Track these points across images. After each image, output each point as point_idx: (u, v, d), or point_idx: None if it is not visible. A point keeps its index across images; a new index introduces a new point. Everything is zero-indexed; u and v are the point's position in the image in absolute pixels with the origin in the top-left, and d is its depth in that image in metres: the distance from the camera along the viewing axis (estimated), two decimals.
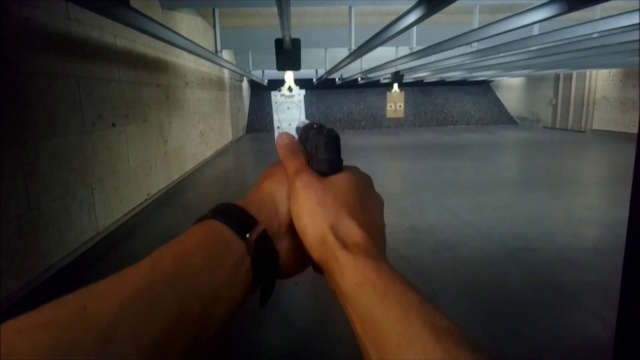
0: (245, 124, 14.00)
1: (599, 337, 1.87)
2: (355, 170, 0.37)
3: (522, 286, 2.45)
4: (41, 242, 2.57)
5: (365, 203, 0.34)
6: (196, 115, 6.72)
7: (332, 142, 0.36)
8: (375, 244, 0.30)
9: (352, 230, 0.31)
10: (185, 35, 3.95)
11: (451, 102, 15.73)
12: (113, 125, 3.61)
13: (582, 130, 11.77)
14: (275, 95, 7.70)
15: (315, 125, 0.37)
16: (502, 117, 15.37)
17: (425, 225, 3.57)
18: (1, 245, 2.21)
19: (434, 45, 4.33)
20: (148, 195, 4.43)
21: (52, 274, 2.63)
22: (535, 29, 4.12)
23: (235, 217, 0.31)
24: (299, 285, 2.44)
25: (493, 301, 2.27)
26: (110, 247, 3.25)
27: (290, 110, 6.68)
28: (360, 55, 4.93)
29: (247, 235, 0.30)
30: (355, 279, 0.27)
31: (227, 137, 9.91)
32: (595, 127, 11.34)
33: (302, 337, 2.02)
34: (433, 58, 6.19)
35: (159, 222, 3.90)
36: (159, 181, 4.80)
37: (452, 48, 4.16)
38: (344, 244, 0.29)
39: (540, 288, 2.41)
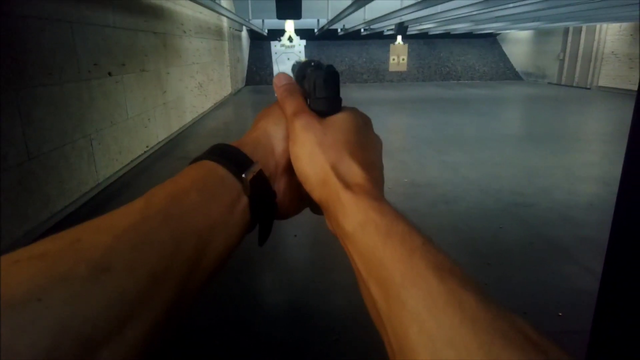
0: (245, 75, 13.73)
1: (587, 289, 1.93)
2: (354, 110, 0.36)
3: (516, 240, 2.50)
4: (42, 190, 2.59)
5: (365, 143, 0.34)
6: (194, 65, 6.57)
7: (332, 78, 0.34)
8: (376, 184, 0.30)
9: (354, 171, 0.30)
10: None
11: (456, 55, 15.34)
12: (109, 74, 3.54)
13: (588, 86, 11.56)
14: (275, 46, 7.50)
15: (312, 63, 0.36)
16: (507, 72, 15.05)
17: (424, 180, 3.58)
18: (3, 191, 2.23)
19: None
20: (147, 147, 4.41)
21: (55, 222, 2.68)
22: None
23: (231, 157, 0.31)
24: (298, 237, 2.49)
25: (487, 254, 2.32)
26: (111, 197, 3.28)
27: (290, 61, 6.52)
28: (364, 4, 4.75)
29: (243, 175, 0.30)
30: (358, 218, 0.27)
31: (227, 88, 9.74)
32: (601, 83, 11.13)
33: (300, 285, 2.08)
34: (439, 8, 5.98)
35: (159, 174, 3.91)
36: (158, 132, 4.77)
37: None
38: (346, 185, 0.29)
39: (534, 242, 2.46)
